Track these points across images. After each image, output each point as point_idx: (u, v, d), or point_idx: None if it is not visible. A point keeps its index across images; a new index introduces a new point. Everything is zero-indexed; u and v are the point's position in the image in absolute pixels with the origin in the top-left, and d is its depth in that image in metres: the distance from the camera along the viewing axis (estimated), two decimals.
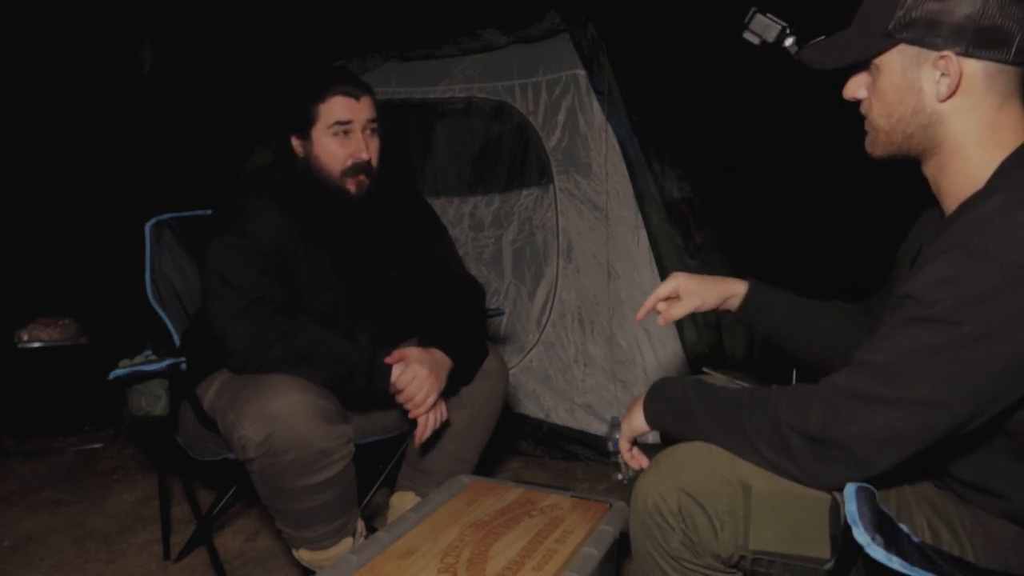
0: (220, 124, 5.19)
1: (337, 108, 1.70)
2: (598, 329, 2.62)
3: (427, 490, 1.82)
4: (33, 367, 3.01)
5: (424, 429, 1.69)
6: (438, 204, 2.88)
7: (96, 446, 2.94)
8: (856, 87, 1.07)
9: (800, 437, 0.94)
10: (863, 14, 1.04)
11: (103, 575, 2.00)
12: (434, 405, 1.69)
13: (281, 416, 1.50)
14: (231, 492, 2.01)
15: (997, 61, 0.94)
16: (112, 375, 1.88)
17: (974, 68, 0.95)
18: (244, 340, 1.59)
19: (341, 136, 1.71)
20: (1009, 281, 0.83)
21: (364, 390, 1.65)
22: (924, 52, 0.97)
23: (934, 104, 0.98)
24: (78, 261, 5.27)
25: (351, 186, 1.73)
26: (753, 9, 1.29)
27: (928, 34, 0.96)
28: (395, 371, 1.65)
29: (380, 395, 1.67)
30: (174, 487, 2.25)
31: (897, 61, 1.00)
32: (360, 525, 1.76)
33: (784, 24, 1.27)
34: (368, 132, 1.75)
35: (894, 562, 0.85)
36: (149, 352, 2.13)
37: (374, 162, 1.76)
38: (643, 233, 2.56)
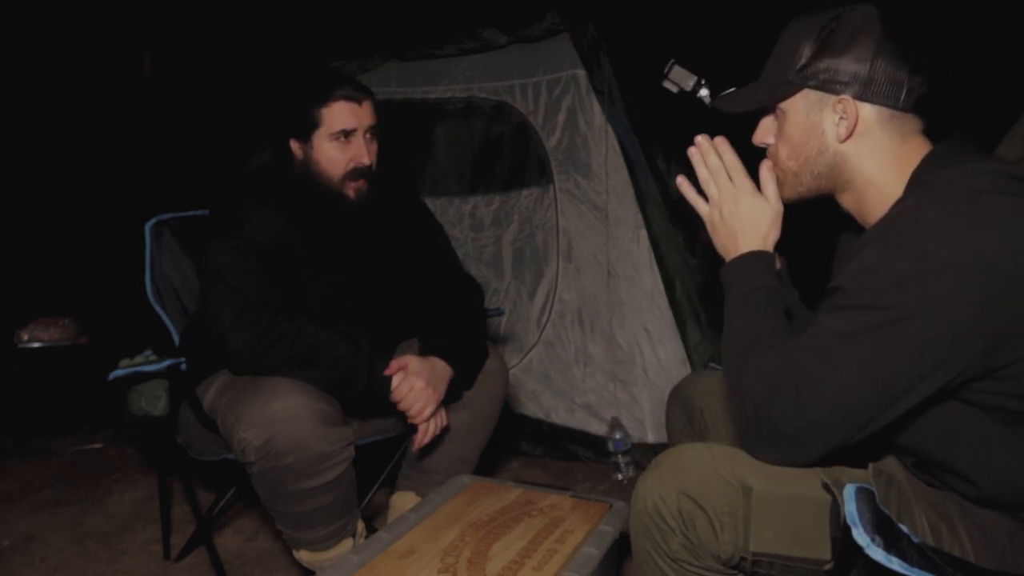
0: (220, 124, 5.18)
1: (340, 114, 1.69)
2: (598, 329, 2.62)
3: (427, 490, 1.82)
4: (33, 367, 3.02)
5: (423, 436, 1.70)
6: (438, 204, 2.88)
7: (96, 446, 2.95)
8: (764, 133, 1.17)
9: (753, 408, 0.98)
10: (769, 67, 1.14)
11: (103, 575, 2.01)
12: (433, 414, 1.69)
13: (281, 419, 1.50)
14: (231, 492, 2.01)
15: (889, 107, 1.05)
16: (112, 375, 1.88)
17: (869, 112, 1.06)
18: (245, 341, 1.59)
19: (343, 141, 1.70)
20: (922, 269, 0.90)
21: (364, 396, 1.65)
22: (825, 96, 1.07)
23: (836, 145, 1.08)
24: (78, 261, 5.27)
25: (350, 191, 1.73)
26: (672, 61, 1.40)
27: (828, 81, 1.06)
28: (394, 381, 1.65)
29: (380, 402, 1.67)
30: (174, 487, 2.25)
31: (801, 105, 1.10)
32: (360, 526, 1.76)
33: (699, 76, 1.38)
34: (369, 136, 1.74)
35: (894, 563, 0.85)
36: (149, 352, 2.14)
37: (374, 166, 1.75)
38: (643, 233, 2.56)
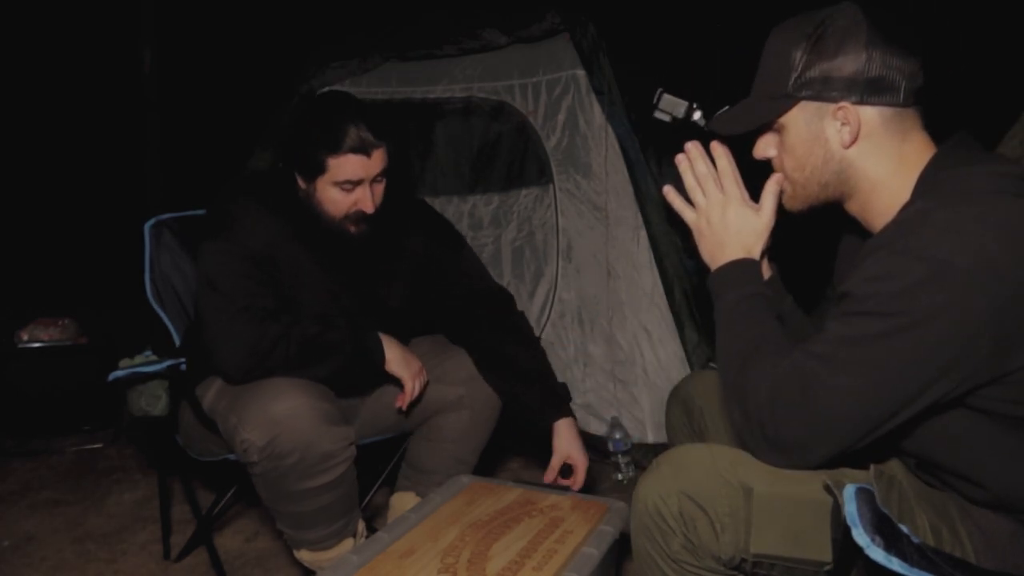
0: (220, 124, 5.18)
1: (348, 167, 1.62)
2: (598, 329, 2.62)
3: (427, 490, 1.82)
4: (33, 367, 3.01)
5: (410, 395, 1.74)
6: (436, 203, 2.88)
7: (96, 446, 2.95)
8: (765, 147, 1.17)
9: (757, 412, 0.99)
10: (760, 82, 1.14)
11: (103, 575, 2.00)
12: (420, 371, 1.75)
13: (284, 419, 1.50)
14: (231, 492, 2.01)
15: (889, 105, 1.04)
16: (112, 376, 1.88)
17: (870, 114, 1.05)
18: (239, 353, 1.57)
19: (347, 189, 1.65)
20: (932, 275, 0.89)
21: (362, 376, 1.69)
22: (823, 106, 1.06)
23: (841, 151, 1.08)
24: (78, 261, 5.27)
25: (350, 228, 1.70)
26: (660, 90, 1.36)
27: (824, 89, 1.05)
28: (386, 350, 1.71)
29: (378, 371, 1.71)
30: (174, 487, 2.25)
31: (800, 117, 1.09)
32: (361, 526, 1.76)
33: (690, 100, 1.34)
34: (377, 181, 1.69)
35: (894, 563, 0.85)
36: (149, 352, 2.14)
37: (377, 209, 1.70)
38: (643, 233, 2.55)
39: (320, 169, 1.64)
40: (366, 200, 1.66)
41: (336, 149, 1.61)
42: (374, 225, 1.73)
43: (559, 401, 1.84)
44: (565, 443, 1.80)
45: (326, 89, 2.90)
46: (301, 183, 1.71)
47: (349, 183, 1.64)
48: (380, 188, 1.71)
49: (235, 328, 1.58)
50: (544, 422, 1.82)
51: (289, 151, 1.73)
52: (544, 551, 1.39)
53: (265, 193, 1.73)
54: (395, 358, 1.72)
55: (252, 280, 1.64)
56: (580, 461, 1.79)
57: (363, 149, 1.61)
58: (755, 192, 1.20)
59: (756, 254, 1.17)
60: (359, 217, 1.69)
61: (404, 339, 1.88)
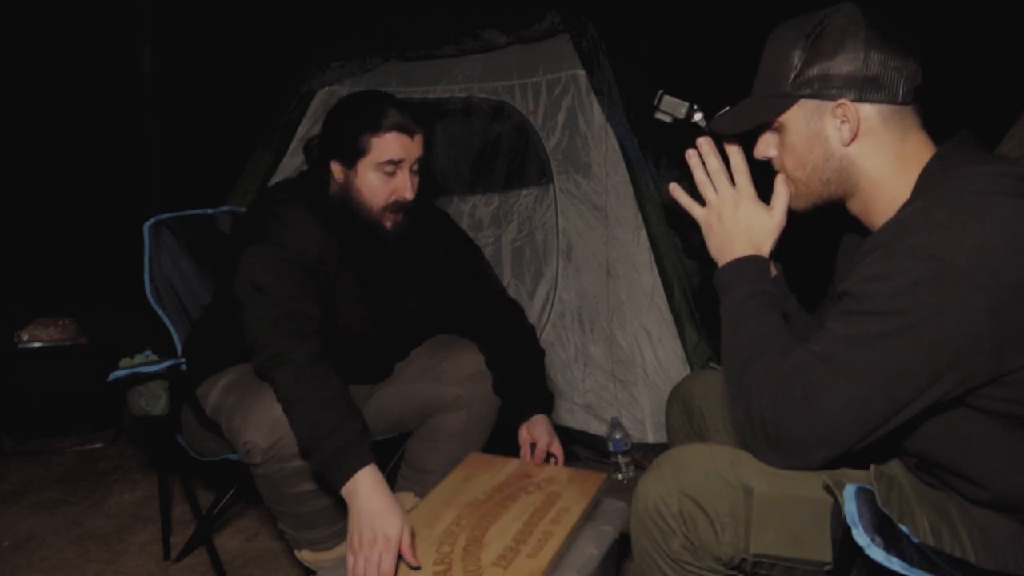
0: (220, 124, 5.19)
1: (391, 145, 1.61)
2: (598, 329, 2.62)
3: (426, 490, 1.81)
4: (33, 367, 3.02)
5: None
6: (436, 203, 2.89)
7: (96, 446, 2.95)
8: (765, 147, 1.17)
9: (759, 411, 0.99)
10: (759, 82, 1.14)
11: (103, 575, 2.01)
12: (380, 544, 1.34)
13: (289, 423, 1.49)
14: (231, 492, 2.01)
15: (888, 103, 1.04)
16: (112, 376, 1.88)
17: (869, 111, 1.05)
18: (272, 348, 1.50)
19: (388, 173, 1.63)
20: (932, 274, 0.89)
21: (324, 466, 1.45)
22: (823, 103, 1.07)
23: (841, 149, 1.08)
24: (78, 261, 5.27)
25: (387, 222, 1.67)
26: (660, 91, 1.36)
27: (824, 87, 1.06)
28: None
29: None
30: (174, 487, 2.25)
31: (800, 116, 1.09)
32: None
33: (690, 101, 1.35)
34: (414, 169, 1.67)
35: (894, 563, 0.85)
36: (149, 352, 2.14)
37: (415, 200, 1.68)
38: (643, 233, 2.56)
39: (362, 151, 1.62)
40: (405, 186, 1.64)
41: (378, 128, 1.60)
42: (411, 218, 1.70)
43: (544, 399, 1.82)
44: (546, 432, 1.76)
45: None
46: (339, 175, 1.68)
47: (391, 163, 1.62)
48: (417, 181, 1.69)
49: (279, 327, 1.51)
50: (525, 413, 1.79)
51: (326, 142, 1.70)
52: (540, 534, 1.39)
53: (308, 202, 1.69)
54: (363, 512, 1.36)
55: (300, 285, 1.58)
56: (560, 451, 1.76)
57: (405, 128, 1.61)
58: (762, 194, 1.20)
59: (765, 252, 1.17)
60: (398, 206, 1.66)
61: (419, 343, 1.93)
